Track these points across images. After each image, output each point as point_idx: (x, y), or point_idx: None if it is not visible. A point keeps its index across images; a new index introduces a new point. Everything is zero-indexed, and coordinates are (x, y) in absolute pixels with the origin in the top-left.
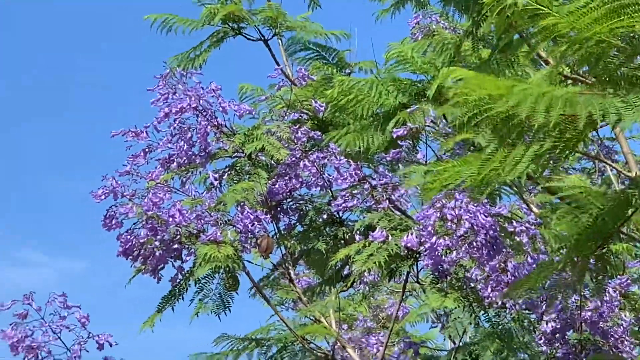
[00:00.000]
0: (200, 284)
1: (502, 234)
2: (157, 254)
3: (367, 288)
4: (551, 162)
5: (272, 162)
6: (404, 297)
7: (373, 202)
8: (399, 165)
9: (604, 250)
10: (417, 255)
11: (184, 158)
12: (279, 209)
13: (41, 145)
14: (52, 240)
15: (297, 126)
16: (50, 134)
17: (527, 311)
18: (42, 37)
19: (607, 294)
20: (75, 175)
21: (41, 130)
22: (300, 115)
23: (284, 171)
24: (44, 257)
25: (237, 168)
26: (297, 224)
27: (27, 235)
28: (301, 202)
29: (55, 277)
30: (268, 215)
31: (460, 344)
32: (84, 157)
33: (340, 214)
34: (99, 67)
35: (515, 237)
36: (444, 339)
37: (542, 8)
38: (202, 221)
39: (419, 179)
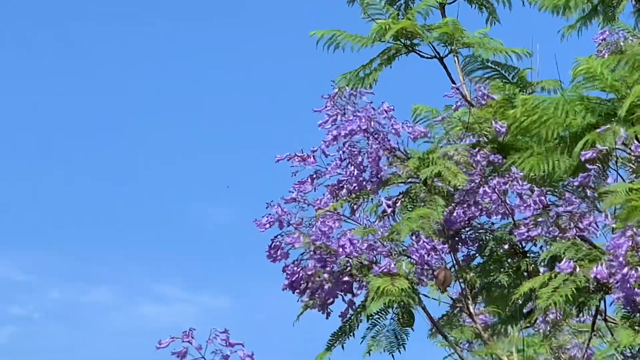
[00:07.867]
0: (373, 320)
1: None
2: (325, 287)
3: (548, 327)
4: None
5: (450, 188)
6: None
7: (558, 231)
8: (587, 191)
9: None
10: (607, 289)
11: (355, 184)
12: (456, 238)
13: (187, 169)
14: (192, 275)
15: (476, 149)
16: (195, 156)
17: None
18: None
19: None
20: (221, 202)
21: (189, 152)
22: (479, 138)
23: (462, 198)
24: (184, 293)
25: (412, 195)
26: (477, 254)
27: (167, 270)
28: (481, 231)
29: (197, 313)
30: (446, 245)
31: None
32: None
33: (523, 244)
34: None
35: None
36: None
37: None
38: (375, 252)
39: (621, 198)
